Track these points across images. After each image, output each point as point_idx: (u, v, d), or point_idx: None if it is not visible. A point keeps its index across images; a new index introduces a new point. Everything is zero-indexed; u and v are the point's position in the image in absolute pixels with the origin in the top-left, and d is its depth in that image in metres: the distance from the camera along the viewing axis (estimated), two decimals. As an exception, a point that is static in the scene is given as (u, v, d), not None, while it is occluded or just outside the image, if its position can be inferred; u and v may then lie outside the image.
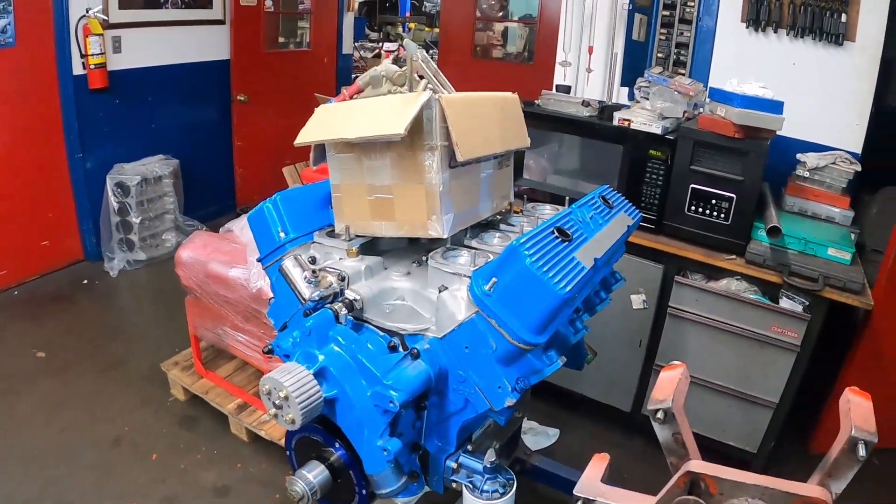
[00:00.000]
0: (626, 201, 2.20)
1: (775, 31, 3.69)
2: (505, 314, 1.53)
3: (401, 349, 1.69)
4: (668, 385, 1.49)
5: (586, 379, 3.32)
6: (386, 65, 1.96)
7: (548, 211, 2.29)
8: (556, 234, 1.64)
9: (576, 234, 1.70)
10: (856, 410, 1.38)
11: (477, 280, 1.58)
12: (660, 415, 1.47)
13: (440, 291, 1.67)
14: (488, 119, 1.92)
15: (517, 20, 6.52)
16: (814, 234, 3.09)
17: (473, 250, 1.83)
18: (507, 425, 2.00)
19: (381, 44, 9.54)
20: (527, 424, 3.45)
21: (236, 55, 5.84)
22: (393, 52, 9.09)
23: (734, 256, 3.05)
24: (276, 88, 6.18)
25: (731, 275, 3.09)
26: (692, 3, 3.84)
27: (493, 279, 1.53)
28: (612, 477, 3.13)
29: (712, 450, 3.32)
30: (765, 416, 3.20)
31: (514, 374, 1.62)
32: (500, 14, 6.51)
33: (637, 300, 3.20)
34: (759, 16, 3.67)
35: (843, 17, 3.55)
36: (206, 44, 5.69)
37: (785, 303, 3.01)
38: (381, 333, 1.74)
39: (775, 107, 2.95)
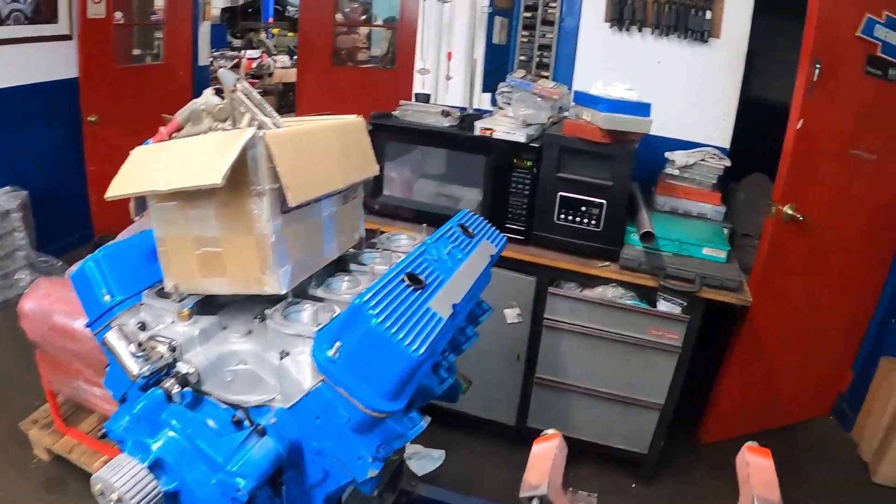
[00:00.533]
0: (489, 226, 2.06)
1: (640, 31, 3.69)
2: (354, 381, 1.35)
3: (246, 423, 1.50)
4: (542, 465, 1.34)
5: (467, 397, 3.21)
6: (207, 96, 1.73)
7: (404, 242, 2.11)
8: (407, 281, 1.48)
9: (430, 279, 1.54)
10: (756, 474, 1.27)
11: (320, 344, 1.40)
12: (535, 503, 1.30)
13: (281, 358, 1.49)
14: (326, 152, 1.72)
15: (381, 24, 6.35)
16: (687, 234, 3.08)
17: (318, 303, 1.65)
18: (386, 467, 1.85)
19: (243, 52, 9.18)
20: (411, 448, 3.32)
21: (85, 72, 5.41)
22: (256, 59, 8.78)
23: (608, 263, 3.01)
24: (129, 106, 5.74)
25: (605, 282, 3.04)
26: (554, 4, 3.79)
27: (338, 343, 1.37)
28: (503, 495, 3.06)
29: (602, 454, 3.32)
30: (652, 417, 3.19)
31: (375, 442, 1.45)
32: (363, 17, 6.32)
33: (511, 314, 3.11)
34: (622, 15, 3.65)
35: (708, 15, 3.57)
36: (52, 62, 5.25)
37: (663, 306, 2.98)
38: (224, 406, 1.53)
39: (642, 109, 2.90)
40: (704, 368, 3.61)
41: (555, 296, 3.08)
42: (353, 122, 1.93)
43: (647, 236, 2.89)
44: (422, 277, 1.52)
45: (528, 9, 3.84)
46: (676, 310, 2.96)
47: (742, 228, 3.74)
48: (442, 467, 3.36)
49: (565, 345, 3.15)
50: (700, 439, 3.78)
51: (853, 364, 4.16)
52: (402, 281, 1.47)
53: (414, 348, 1.32)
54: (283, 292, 1.57)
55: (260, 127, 1.57)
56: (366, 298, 1.34)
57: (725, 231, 3.31)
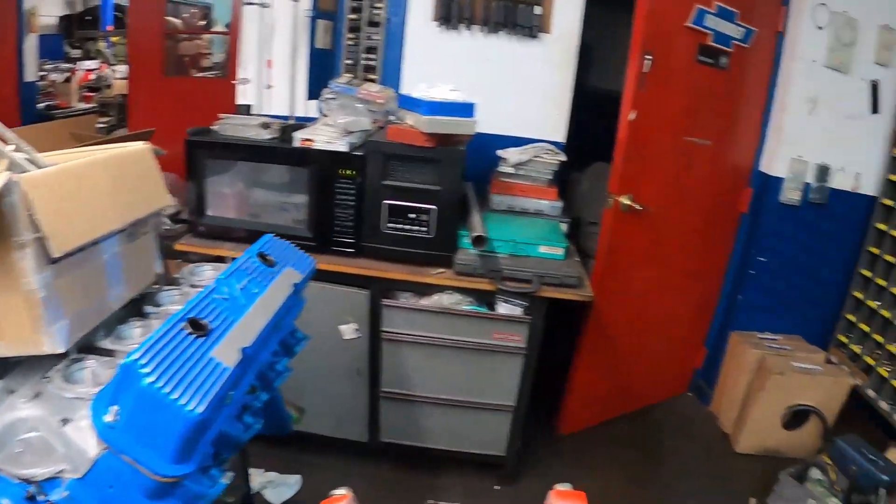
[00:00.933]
0: (294, 250, 1.96)
1: (468, 28, 3.64)
2: (136, 447, 1.25)
3: (40, 498, 1.35)
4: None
5: (314, 417, 3.10)
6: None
7: (208, 274, 1.98)
8: (189, 329, 1.36)
9: (216, 322, 1.43)
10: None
11: (97, 409, 1.28)
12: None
13: (63, 424, 1.36)
14: (98, 189, 1.58)
15: (217, 30, 6.02)
16: (523, 234, 3.06)
17: (104, 358, 1.51)
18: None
19: (76, 63, 8.63)
20: (264, 477, 3.18)
21: None
22: (94, 70, 8.30)
23: (443, 270, 2.95)
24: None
25: (441, 289, 2.99)
26: (380, 5, 3.69)
27: (114, 407, 1.24)
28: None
29: (462, 461, 3.27)
30: (505, 419, 3.17)
31: (176, 507, 1.34)
32: (203, 23, 6.01)
33: (348, 330, 3.01)
34: (450, 13, 3.60)
35: (537, 10, 3.56)
36: None
37: (503, 308, 2.96)
38: (17, 481, 1.36)
39: (465, 110, 2.86)
40: (560, 362, 3.66)
41: (390, 307, 2.99)
42: (136, 152, 1.79)
43: (478, 240, 2.83)
44: (205, 322, 1.41)
45: (353, 10, 3.71)
46: (517, 311, 2.94)
47: (588, 217, 3.77)
48: (300, 493, 3.23)
49: (408, 356, 3.08)
50: (559, 432, 3.82)
51: (705, 340, 4.28)
52: (183, 329, 1.35)
53: (191, 407, 1.23)
54: (62, 351, 1.45)
55: (19, 170, 1.42)
56: (136, 356, 1.24)
57: (563, 227, 3.30)
